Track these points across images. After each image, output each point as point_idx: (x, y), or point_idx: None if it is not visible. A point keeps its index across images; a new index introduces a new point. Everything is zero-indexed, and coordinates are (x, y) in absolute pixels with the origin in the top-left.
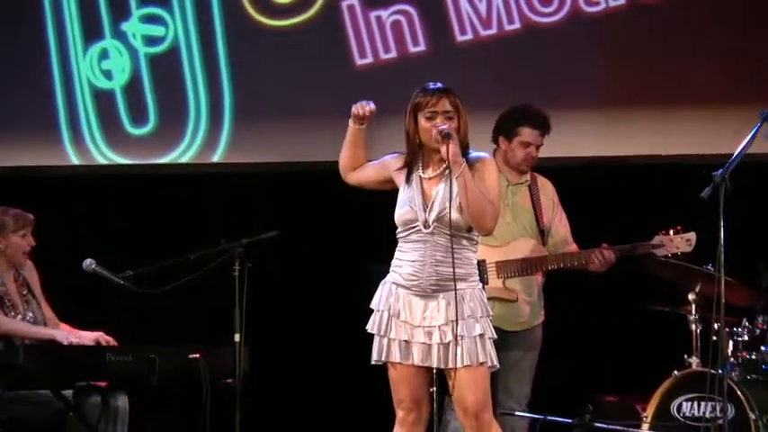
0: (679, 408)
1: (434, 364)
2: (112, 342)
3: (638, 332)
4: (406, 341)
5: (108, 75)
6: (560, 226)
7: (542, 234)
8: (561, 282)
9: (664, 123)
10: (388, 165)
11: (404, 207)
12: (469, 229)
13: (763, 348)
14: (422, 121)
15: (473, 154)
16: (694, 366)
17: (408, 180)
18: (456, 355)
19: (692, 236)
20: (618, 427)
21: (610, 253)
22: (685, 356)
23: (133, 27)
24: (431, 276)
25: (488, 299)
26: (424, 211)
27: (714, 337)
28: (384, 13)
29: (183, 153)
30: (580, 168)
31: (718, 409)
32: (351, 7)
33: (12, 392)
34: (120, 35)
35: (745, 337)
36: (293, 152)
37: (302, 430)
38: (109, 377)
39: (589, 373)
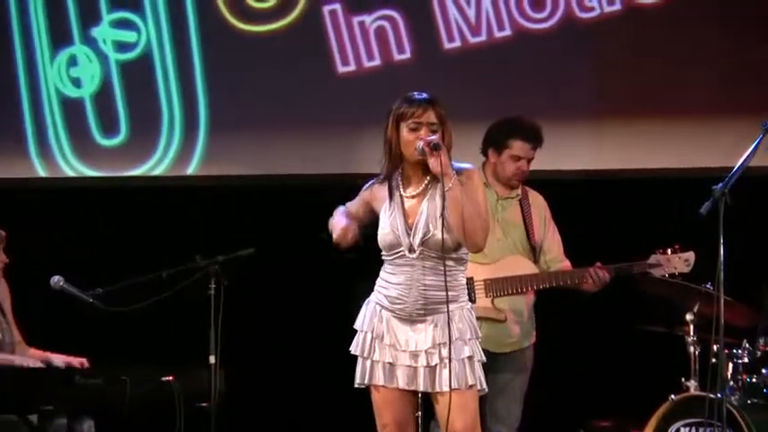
0: None
1: (420, 388)
2: (85, 363)
3: (633, 354)
4: (390, 363)
5: (77, 83)
6: (552, 242)
7: (533, 251)
8: (553, 301)
9: (660, 135)
10: (370, 198)
11: (386, 230)
12: (457, 248)
13: (764, 371)
14: (404, 133)
15: (456, 165)
16: (692, 390)
17: (390, 202)
18: (443, 378)
19: (690, 256)
20: None
21: (604, 272)
22: (683, 379)
23: (103, 32)
24: (417, 301)
25: (476, 319)
26: (408, 235)
27: (713, 360)
28: (368, 19)
29: (155, 165)
30: (573, 182)
31: None
32: (333, 12)
33: None
34: (89, 41)
35: (746, 360)
36: (272, 164)
37: None
38: (77, 401)
39: (582, 396)
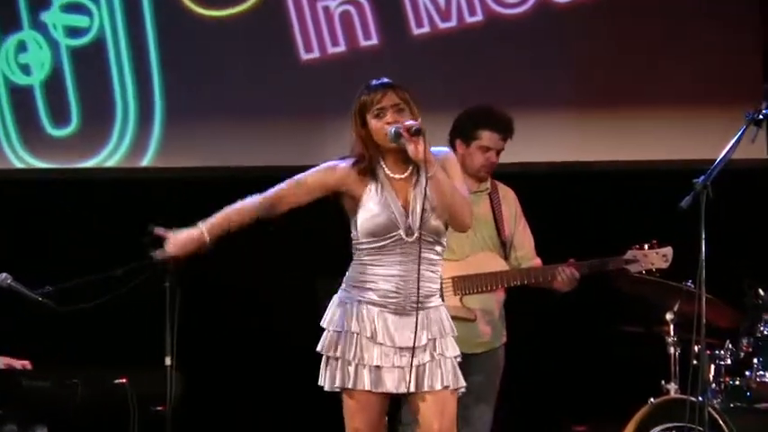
0: None
1: (411, 389)
2: (28, 366)
3: (610, 355)
4: (377, 366)
5: (26, 69)
6: (523, 238)
7: (504, 247)
8: (524, 299)
9: (639, 126)
10: (334, 182)
11: (376, 212)
12: (444, 236)
13: (747, 373)
14: (372, 123)
15: (432, 149)
16: (672, 393)
17: (376, 183)
18: (435, 376)
19: (668, 251)
20: None
21: (572, 269)
22: (662, 382)
23: (54, 17)
24: (412, 294)
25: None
26: (407, 215)
27: (694, 361)
28: (332, 4)
29: (108, 156)
30: (546, 175)
31: None
32: None
33: None
34: (39, 26)
35: (728, 361)
36: (231, 156)
37: None
38: (25, 405)
39: (557, 399)
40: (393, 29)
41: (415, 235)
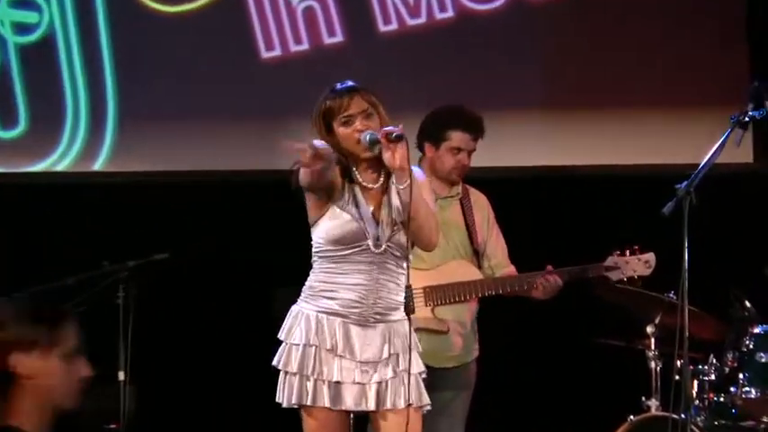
0: None
1: (371, 407)
2: None
3: (587, 369)
4: (337, 382)
5: None
6: (497, 246)
7: (477, 255)
8: (498, 310)
9: (619, 129)
10: None
11: (348, 221)
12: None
13: (732, 390)
14: (340, 130)
15: None
16: (653, 410)
17: (348, 190)
18: (399, 393)
19: (650, 257)
20: None
21: (555, 277)
22: (643, 398)
23: (1, 12)
24: (375, 304)
25: (414, 330)
26: (377, 226)
27: (676, 377)
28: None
29: (58, 160)
30: (521, 180)
31: None
32: None
33: None
34: None
35: (713, 377)
36: (188, 160)
37: None
38: None
39: (531, 417)
40: (359, 26)
41: (383, 247)
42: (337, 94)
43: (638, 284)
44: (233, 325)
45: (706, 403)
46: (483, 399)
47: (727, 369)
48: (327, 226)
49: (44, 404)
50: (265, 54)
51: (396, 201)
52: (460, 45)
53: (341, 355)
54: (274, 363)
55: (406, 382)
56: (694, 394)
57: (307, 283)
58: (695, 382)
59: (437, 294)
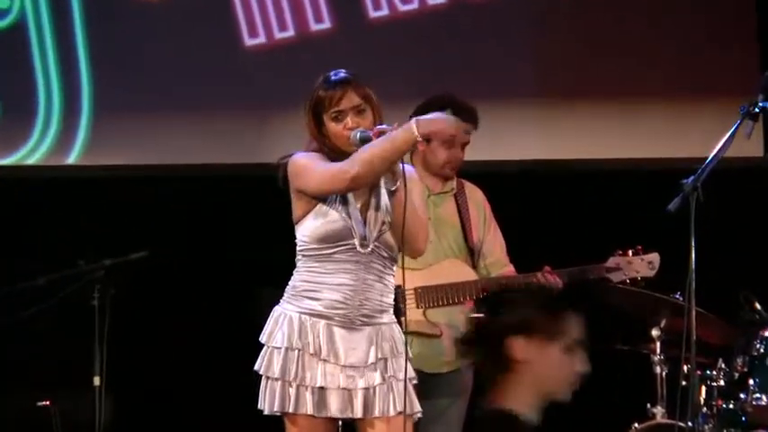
0: None
1: (358, 414)
2: None
3: (589, 376)
4: (321, 388)
5: None
6: (494, 244)
7: (472, 254)
8: None
9: (621, 121)
10: None
11: (335, 219)
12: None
13: (742, 396)
14: (331, 125)
15: None
16: (659, 418)
17: None
18: (388, 400)
19: (654, 257)
20: None
21: (554, 278)
22: (648, 405)
23: None
24: (362, 306)
25: (407, 334)
26: (364, 225)
27: (683, 382)
28: None
29: (29, 153)
30: (516, 175)
31: None
32: None
33: None
34: None
35: (721, 383)
36: (167, 153)
37: None
38: None
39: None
40: (347, 11)
41: (370, 247)
42: (329, 86)
43: (640, 286)
44: (215, 327)
45: (714, 410)
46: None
47: (736, 374)
48: (313, 224)
49: (538, 391)
50: (248, 41)
51: (385, 200)
52: (454, 32)
53: (325, 360)
54: (256, 367)
55: (395, 388)
56: (702, 401)
57: (290, 283)
58: (703, 389)
59: (429, 296)
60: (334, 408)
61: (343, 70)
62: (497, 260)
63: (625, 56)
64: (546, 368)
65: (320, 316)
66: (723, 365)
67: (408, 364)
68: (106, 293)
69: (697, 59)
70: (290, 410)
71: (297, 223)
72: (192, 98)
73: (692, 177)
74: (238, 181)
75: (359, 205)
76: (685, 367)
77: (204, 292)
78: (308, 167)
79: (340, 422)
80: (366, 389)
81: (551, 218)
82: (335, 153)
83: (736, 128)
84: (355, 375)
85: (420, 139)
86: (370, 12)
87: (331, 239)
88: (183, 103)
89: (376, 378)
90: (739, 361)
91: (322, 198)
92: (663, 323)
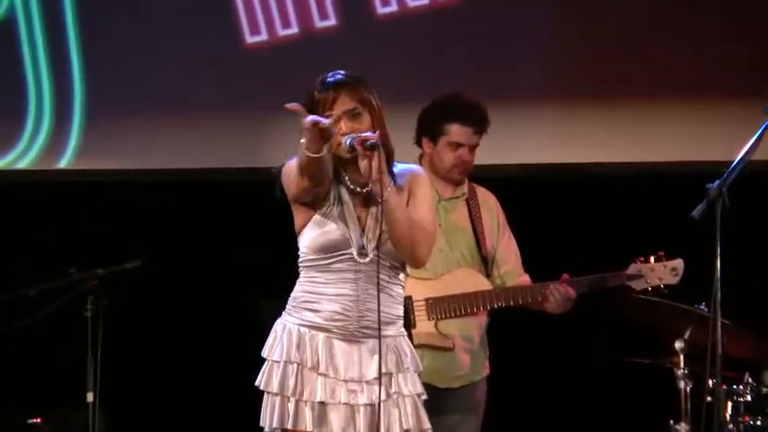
0: None
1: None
2: None
3: (609, 390)
4: (321, 403)
5: None
6: (508, 252)
7: (485, 262)
8: (510, 324)
9: (641, 122)
10: None
11: (329, 228)
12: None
13: None
14: None
15: (399, 166)
16: None
17: (334, 194)
18: (392, 417)
19: (678, 264)
20: None
21: (566, 287)
22: (671, 422)
23: None
24: (362, 317)
25: (416, 347)
26: (362, 234)
27: (708, 398)
28: None
29: (19, 157)
30: (530, 179)
31: None
32: None
33: None
34: None
35: (748, 398)
36: (164, 157)
37: None
38: None
39: None
40: (354, 7)
41: (369, 257)
42: (323, 88)
43: (663, 294)
44: (214, 340)
45: (741, 427)
46: (494, 423)
47: (764, 389)
48: (310, 234)
49: None
50: (250, 39)
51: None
52: (466, 29)
53: (323, 374)
54: (257, 382)
55: (401, 405)
56: (728, 417)
57: (291, 294)
58: (729, 404)
59: (441, 307)
60: (335, 425)
61: (342, 71)
62: (512, 269)
63: (645, 55)
64: None
65: (319, 328)
66: (750, 380)
67: (415, 378)
68: (99, 304)
69: (721, 57)
70: (289, 426)
71: (298, 234)
72: (190, 99)
73: (717, 181)
74: (238, 186)
75: (357, 214)
76: (710, 382)
77: (203, 304)
78: (290, 174)
79: None
80: (370, 405)
81: (565, 225)
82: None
83: (763, 129)
84: (357, 390)
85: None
86: (378, 7)
87: (329, 249)
88: (181, 104)
89: (380, 393)
90: (767, 375)
91: (319, 207)
92: (687, 335)
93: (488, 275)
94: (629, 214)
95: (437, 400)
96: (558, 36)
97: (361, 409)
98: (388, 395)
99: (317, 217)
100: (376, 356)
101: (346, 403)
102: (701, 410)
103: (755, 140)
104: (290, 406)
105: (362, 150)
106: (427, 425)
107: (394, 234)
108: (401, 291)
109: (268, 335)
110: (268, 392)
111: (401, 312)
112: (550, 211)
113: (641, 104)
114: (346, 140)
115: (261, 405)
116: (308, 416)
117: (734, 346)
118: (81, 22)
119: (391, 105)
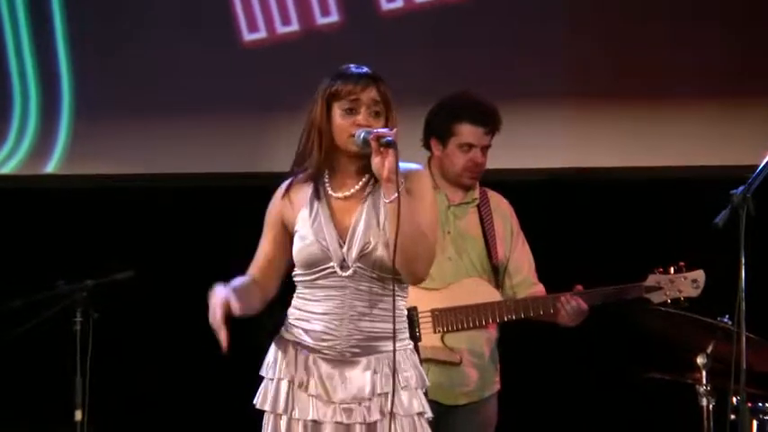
0: None
1: None
2: None
3: (628, 408)
4: (314, 422)
5: None
6: (521, 261)
7: (496, 272)
8: (523, 337)
9: (661, 124)
10: (282, 211)
11: (308, 240)
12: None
13: None
14: (336, 116)
15: (401, 166)
16: None
17: (311, 203)
18: None
19: (699, 275)
20: None
21: (578, 301)
22: None
23: None
24: (351, 336)
25: (422, 361)
26: (341, 246)
27: (732, 416)
28: None
29: (4, 161)
30: (544, 184)
31: None
32: None
33: None
34: None
35: None
36: (157, 161)
37: None
38: None
39: None
40: (357, 3)
41: (351, 269)
42: (352, 77)
43: (684, 307)
44: (209, 355)
45: None
46: None
47: None
48: (295, 248)
49: None
50: (248, 37)
51: (374, 218)
52: (475, 26)
53: (314, 395)
54: (255, 401)
55: (399, 424)
56: None
57: (289, 309)
58: (754, 423)
59: (447, 319)
60: None
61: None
62: (525, 279)
63: (665, 54)
64: None
65: (310, 348)
66: None
67: (417, 395)
68: (89, 317)
69: (747, 57)
70: None
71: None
72: (185, 100)
73: (741, 187)
74: (236, 191)
75: (336, 221)
76: (734, 399)
77: (197, 316)
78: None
79: None
80: (367, 424)
81: (581, 232)
82: (328, 152)
83: None
84: (352, 408)
85: None
86: (383, 3)
87: (311, 264)
88: (174, 105)
89: (374, 413)
90: None
91: (300, 218)
92: (709, 350)
93: (499, 286)
94: (648, 222)
95: (442, 417)
96: (573, 33)
97: (357, 427)
98: (383, 414)
99: (298, 230)
100: (369, 374)
101: (340, 422)
102: (725, 429)
103: None
104: (282, 423)
105: (377, 146)
106: None
107: (399, 242)
108: (401, 303)
109: (267, 350)
110: (264, 411)
111: (401, 326)
112: (565, 217)
113: (660, 107)
114: (360, 133)
115: (258, 425)
116: None
117: (759, 361)
118: (68, 17)
119: (396, 106)
